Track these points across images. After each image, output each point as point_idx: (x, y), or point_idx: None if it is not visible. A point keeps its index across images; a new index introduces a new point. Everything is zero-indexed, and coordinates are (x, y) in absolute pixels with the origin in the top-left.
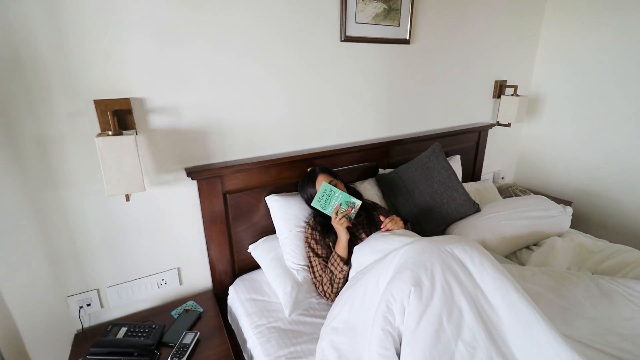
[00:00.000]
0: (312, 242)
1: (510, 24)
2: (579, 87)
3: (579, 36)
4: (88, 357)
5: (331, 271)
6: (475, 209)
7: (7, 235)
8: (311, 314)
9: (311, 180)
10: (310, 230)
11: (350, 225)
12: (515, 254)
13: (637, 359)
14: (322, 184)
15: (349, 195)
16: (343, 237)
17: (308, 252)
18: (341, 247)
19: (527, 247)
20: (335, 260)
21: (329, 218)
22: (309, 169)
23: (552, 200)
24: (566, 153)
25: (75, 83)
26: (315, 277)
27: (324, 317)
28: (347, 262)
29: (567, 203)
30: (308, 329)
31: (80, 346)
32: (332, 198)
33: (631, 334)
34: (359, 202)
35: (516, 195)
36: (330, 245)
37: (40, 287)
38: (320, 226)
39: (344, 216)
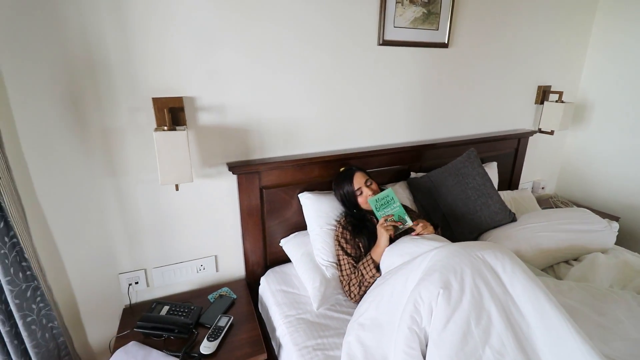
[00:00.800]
0: (342, 240)
1: (557, 28)
2: (631, 95)
3: (632, 40)
4: (135, 329)
5: (362, 274)
6: (510, 218)
7: (74, 216)
8: (338, 309)
9: (348, 177)
10: (340, 229)
11: (393, 236)
12: (552, 267)
13: None
14: (389, 190)
15: (405, 211)
16: (383, 243)
17: (337, 250)
18: (378, 253)
19: (567, 262)
20: (369, 264)
21: (361, 219)
22: (342, 169)
23: (596, 214)
24: (614, 165)
25: (136, 82)
26: (342, 276)
27: (350, 314)
28: (379, 268)
29: (614, 218)
30: (335, 323)
31: (128, 319)
32: (389, 205)
33: None
34: (409, 223)
35: (557, 206)
36: (360, 246)
37: (98, 263)
38: (351, 226)
39: (390, 225)
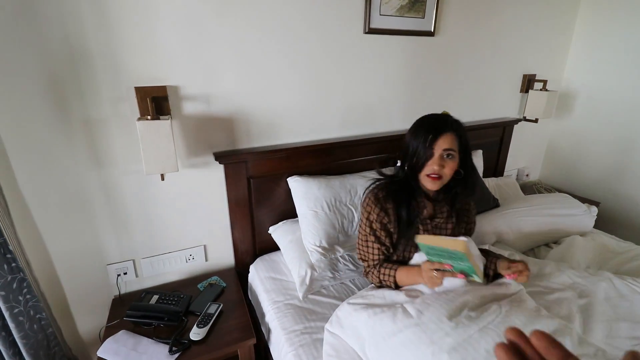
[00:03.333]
0: (377, 224)
1: (542, 17)
2: (614, 84)
3: (616, 31)
4: (125, 318)
5: (380, 280)
6: (494, 203)
7: (59, 208)
8: (324, 294)
9: (434, 131)
10: (375, 209)
11: (440, 284)
12: (533, 250)
13: None
14: (462, 242)
15: (472, 269)
16: (416, 281)
17: (366, 229)
18: (405, 282)
19: (547, 245)
20: (390, 279)
21: (408, 190)
22: (442, 112)
23: (578, 200)
24: (596, 152)
25: (118, 71)
26: (363, 259)
27: (337, 298)
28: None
29: (594, 203)
30: (322, 308)
31: (118, 310)
32: (454, 259)
33: None
34: (479, 280)
35: (540, 193)
36: (392, 231)
37: (85, 255)
38: (392, 199)
39: (440, 273)
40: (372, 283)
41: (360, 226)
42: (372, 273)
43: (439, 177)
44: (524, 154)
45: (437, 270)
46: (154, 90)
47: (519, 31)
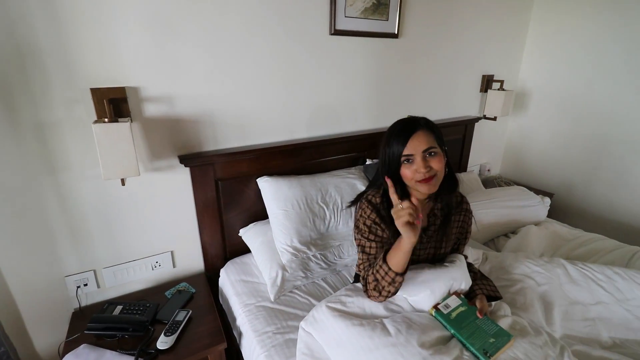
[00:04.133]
0: (364, 228)
1: (499, 19)
2: (564, 83)
3: (566, 33)
4: (85, 332)
5: (376, 278)
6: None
7: (8, 217)
8: (297, 294)
9: (405, 134)
10: (370, 213)
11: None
12: (493, 240)
13: (598, 343)
14: (483, 301)
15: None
16: (405, 245)
17: (357, 236)
18: (397, 260)
19: (505, 235)
20: (383, 269)
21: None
22: (406, 117)
23: (535, 192)
24: (550, 147)
25: (72, 72)
26: (360, 272)
27: (311, 296)
28: (403, 272)
29: (549, 194)
30: (294, 308)
31: (78, 323)
32: (470, 325)
33: (598, 317)
34: (509, 343)
35: (500, 186)
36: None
37: (40, 267)
38: (384, 208)
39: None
40: (371, 297)
41: (355, 239)
42: (368, 280)
43: (431, 177)
44: (485, 151)
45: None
46: (112, 91)
47: (477, 33)
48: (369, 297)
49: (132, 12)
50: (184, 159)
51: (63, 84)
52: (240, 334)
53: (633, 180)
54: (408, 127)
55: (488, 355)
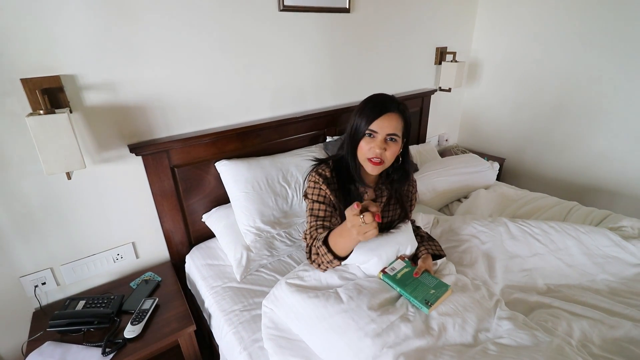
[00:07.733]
0: (314, 192)
1: None
2: (515, 53)
3: (516, 4)
4: (48, 329)
5: (317, 253)
6: (413, 168)
7: None
8: (263, 272)
9: (376, 112)
10: (322, 185)
11: (372, 232)
12: (447, 206)
13: (535, 290)
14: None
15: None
16: (349, 242)
17: (306, 202)
18: (341, 247)
19: (458, 200)
20: (322, 250)
21: (347, 175)
22: (380, 93)
23: (488, 158)
24: (502, 115)
25: None
26: (305, 236)
27: (278, 273)
28: (343, 257)
29: (501, 160)
30: (260, 285)
31: (40, 322)
32: (414, 282)
33: (534, 267)
34: (447, 292)
35: (456, 154)
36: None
37: None
38: (340, 183)
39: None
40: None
41: (307, 210)
42: (311, 250)
43: (381, 162)
44: (443, 121)
45: (364, 218)
46: (45, 81)
47: (429, 6)
48: (311, 263)
49: None
50: (135, 148)
51: None
52: (209, 315)
53: (578, 143)
54: (385, 104)
55: (429, 304)
